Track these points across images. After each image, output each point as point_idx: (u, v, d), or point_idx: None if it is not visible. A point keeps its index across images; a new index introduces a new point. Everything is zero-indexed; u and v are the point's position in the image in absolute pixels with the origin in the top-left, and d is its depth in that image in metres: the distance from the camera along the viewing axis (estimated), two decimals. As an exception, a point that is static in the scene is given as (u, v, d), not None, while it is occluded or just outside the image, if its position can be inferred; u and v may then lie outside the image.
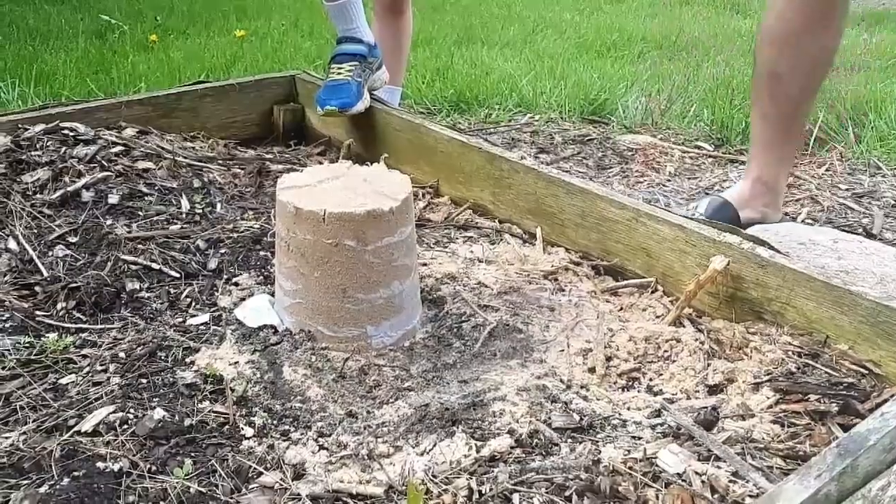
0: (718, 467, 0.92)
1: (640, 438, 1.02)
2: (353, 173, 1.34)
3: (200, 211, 1.66)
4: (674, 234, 1.37)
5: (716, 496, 0.87)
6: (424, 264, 1.52)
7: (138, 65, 3.35)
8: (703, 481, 0.89)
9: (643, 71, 3.41)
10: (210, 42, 3.81)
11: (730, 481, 0.89)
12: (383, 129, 1.93)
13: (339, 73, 1.93)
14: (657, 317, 1.36)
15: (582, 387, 1.19)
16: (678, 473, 0.91)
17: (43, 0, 4.85)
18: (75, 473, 0.97)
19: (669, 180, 2.35)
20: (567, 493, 0.88)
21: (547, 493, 0.88)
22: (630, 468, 0.92)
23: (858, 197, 2.26)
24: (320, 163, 1.97)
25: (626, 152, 2.54)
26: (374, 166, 1.37)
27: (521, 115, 2.92)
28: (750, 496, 0.87)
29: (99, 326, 1.31)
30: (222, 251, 1.52)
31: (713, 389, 1.16)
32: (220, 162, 1.89)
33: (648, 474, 0.91)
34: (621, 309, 1.40)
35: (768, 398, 1.09)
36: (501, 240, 1.64)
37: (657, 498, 0.87)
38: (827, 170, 2.45)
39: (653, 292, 1.42)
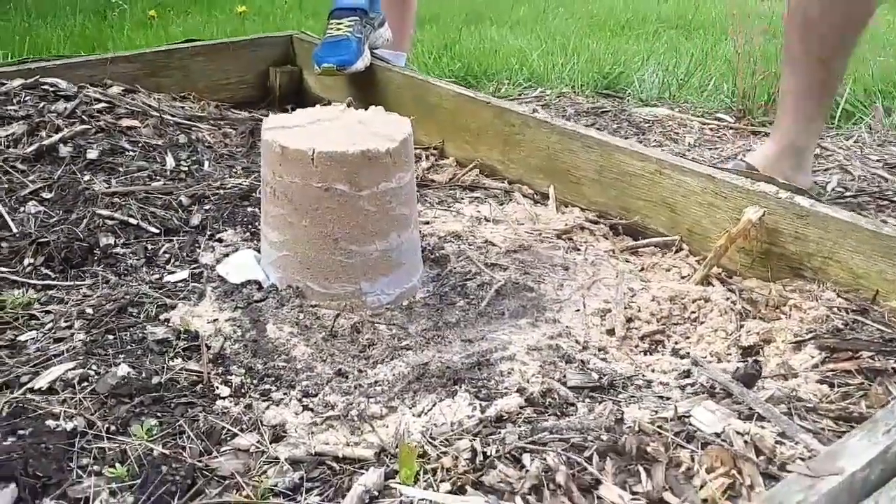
0: (762, 427, 0.79)
1: (668, 399, 0.89)
2: (348, 115, 1.22)
3: (186, 168, 1.54)
4: (702, 186, 1.24)
5: (761, 458, 0.74)
6: (427, 223, 1.40)
7: (135, 40, 3.24)
8: (745, 441, 0.76)
9: (659, 47, 3.28)
10: (211, 19, 3.70)
11: (776, 442, 0.76)
12: (384, 87, 1.81)
13: (337, 29, 1.81)
14: (682, 277, 1.24)
15: (600, 349, 1.06)
16: (716, 433, 0.78)
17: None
18: (21, 432, 0.84)
19: (689, 150, 2.22)
20: (587, 454, 0.75)
21: (563, 452, 0.75)
22: (659, 427, 0.79)
23: (891, 167, 2.12)
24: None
25: (642, 124, 2.41)
26: (371, 109, 1.25)
27: (531, 90, 2.79)
28: (800, 459, 0.74)
29: (68, 283, 1.19)
30: (207, 207, 1.39)
31: (747, 351, 1.04)
32: (211, 121, 1.77)
33: (681, 434, 0.78)
34: (642, 269, 1.27)
35: (813, 357, 0.96)
36: (511, 200, 1.51)
37: (692, 460, 0.74)
38: (856, 141, 2.31)
39: (677, 251, 1.29)
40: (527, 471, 0.72)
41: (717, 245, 1.18)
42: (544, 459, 0.74)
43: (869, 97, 2.55)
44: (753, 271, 1.19)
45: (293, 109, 1.99)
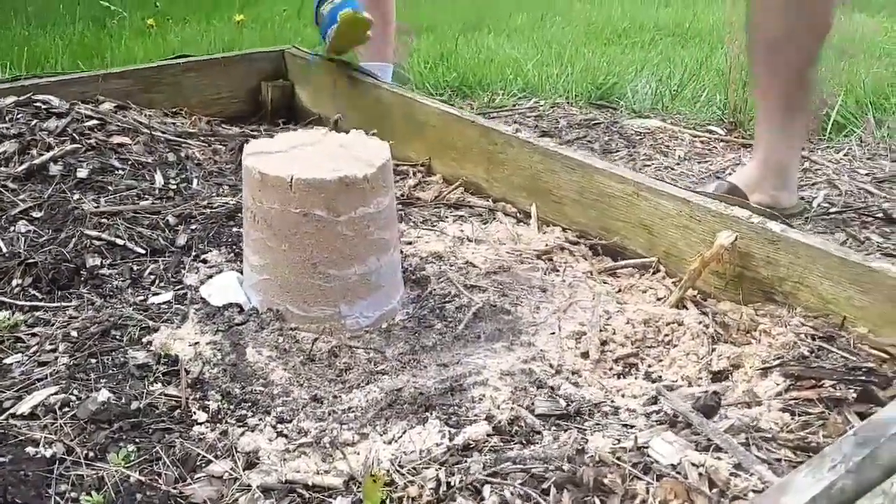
0: (719, 458, 0.81)
1: (632, 427, 0.91)
2: (329, 139, 1.24)
3: (175, 187, 1.56)
4: (677, 210, 1.26)
5: (714, 490, 0.76)
6: (410, 243, 1.42)
7: (133, 49, 3.26)
8: (700, 473, 0.78)
9: (654, 56, 3.29)
10: (209, 28, 3.72)
11: (731, 474, 0.78)
12: (373, 103, 1.83)
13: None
14: (658, 299, 1.25)
15: (573, 372, 1.08)
16: (672, 465, 0.80)
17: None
18: (1, 459, 0.87)
19: (678, 164, 2.24)
20: (545, 486, 0.77)
21: (521, 485, 0.77)
22: (618, 458, 0.81)
23: (879, 182, 2.13)
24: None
25: (633, 136, 2.43)
26: (352, 133, 1.27)
27: (525, 100, 2.80)
28: (754, 491, 0.76)
29: (54, 305, 1.22)
30: (193, 227, 1.42)
31: (717, 376, 1.05)
32: (202, 138, 1.79)
33: (639, 465, 0.80)
34: (620, 290, 1.29)
35: (778, 384, 0.98)
36: (494, 219, 1.54)
37: (647, 492, 0.76)
38: (845, 155, 2.32)
39: (654, 273, 1.31)
40: (484, 502, 0.74)
41: (690, 268, 1.20)
42: (502, 493, 0.76)
43: (861, 109, 2.57)
44: (727, 294, 1.21)
45: (285, 124, 2.04)
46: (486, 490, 0.78)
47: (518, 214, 1.54)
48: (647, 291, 1.28)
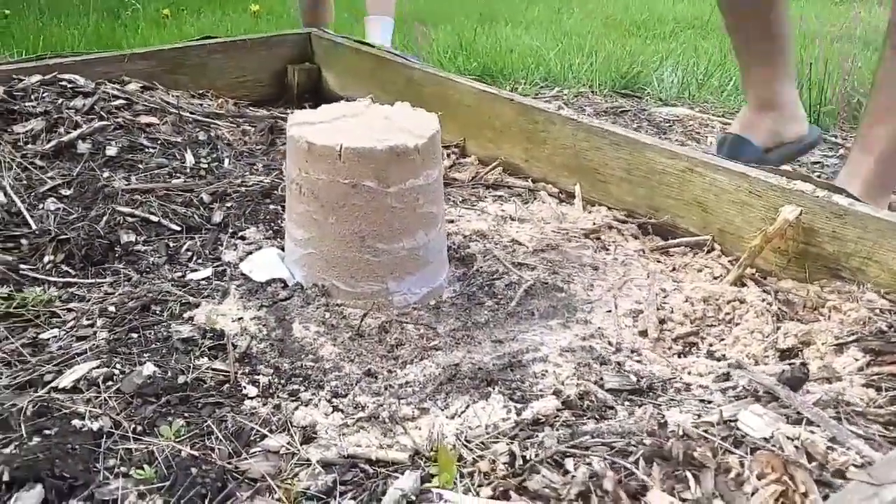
0: (812, 432, 0.76)
1: (710, 402, 0.86)
2: (373, 111, 1.20)
3: (206, 166, 1.51)
4: (735, 185, 1.22)
5: (813, 464, 0.71)
6: (451, 221, 1.37)
7: (149, 39, 3.23)
8: (796, 447, 0.73)
9: (677, 47, 3.25)
10: (224, 18, 3.69)
11: (828, 448, 0.73)
12: (405, 84, 1.78)
13: None
14: (715, 278, 1.21)
15: (633, 351, 1.03)
16: (765, 438, 0.75)
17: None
18: (47, 432, 0.82)
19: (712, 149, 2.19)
20: (632, 459, 0.72)
21: (608, 456, 0.73)
22: (705, 431, 0.76)
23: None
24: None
25: (662, 123, 2.38)
26: (396, 104, 1.22)
27: (548, 89, 2.76)
28: (854, 465, 0.71)
29: (88, 280, 1.17)
30: (228, 205, 1.37)
31: (786, 354, 1.01)
32: (230, 119, 1.75)
33: (728, 439, 0.75)
34: (674, 269, 1.24)
35: (857, 360, 0.93)
36: (536, 198, 1.49)
37: (742, 465, 0.71)
38: None
39: (709, 252, 1.26)
40: (572, 476, 0.70)
41: (751, 245, 1.16)
42: (589, 464, 0.71)
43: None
44: (789, 272, 1.17)
45: (312, 107, 2.00)
46: (570, 463, 0.73)
47: (560, 194, 1.49)
48: (702, 270, 1.23)
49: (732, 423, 0.78)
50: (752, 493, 0.68)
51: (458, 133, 1.69)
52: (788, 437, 0.74)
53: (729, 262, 1.23)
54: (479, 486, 0.74)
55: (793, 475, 0.69)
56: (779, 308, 1.09)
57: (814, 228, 1.13)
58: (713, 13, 4.15)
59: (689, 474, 0.71)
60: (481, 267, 1.22)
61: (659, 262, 1.26)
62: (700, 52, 3.16)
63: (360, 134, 1.09)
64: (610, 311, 1.12)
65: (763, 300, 1.11)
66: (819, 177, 1.96)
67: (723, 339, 1.06)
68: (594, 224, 1.35)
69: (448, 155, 1.68)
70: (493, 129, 1.61)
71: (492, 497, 0.70)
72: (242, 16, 3.83)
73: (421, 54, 3.10)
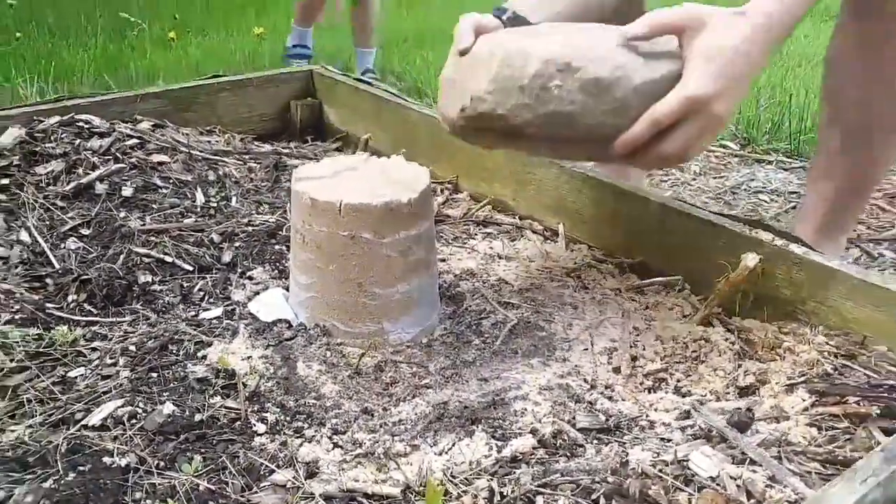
0: (754, 471, 0.87)
1: (669, 441, 0.97)
2: (371, 165, 1.30)
3: (215, 204, 1.62)
4: (702, 230, 1.32)
5: (752, 501, 0.82)
6: (443, 260, 1.48)
7: (157, 61, 3.34)
8: (738, 486, 0.84)
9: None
10: (229, 39, 3.80)
11: (766, 486, 0.84)
12: (401, 123, 1.89)
13: None
14: (684, 316, 1.31)
15: (607, 387, 1.14)
16: (712, 477, 0.86)
17: (63, -2, 4.86)
18: (81, 468, 0.93)
19: (695, 179, 2.30)
20: (594, 497, 0.83)
21: (573, 495, 0.84)
22: (660, 471, 0.87)
23: (891, 198, 2.19)
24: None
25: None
26: (392, 158, 1.33)
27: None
28: (788, 502, 0.82)
29: (110, 319, 1.28)
30: (237, 245, 1.48)
31: (744, 391, 1.11)
32: (237, 156, 1.85)
33: (680, 478, 0.86)
34: (647, 307, 1.35)
35: (804, 400, 1.04)
36: (522, 236, 1.60)
37: (690, 502, 0.82)
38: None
39: (679, 290, 1.37)
40: (540, 513, 0.81)
41: (716, 288, 1.26)
42: (556, 502, 0.82)
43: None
44: (751, 312, 1.27)
45: (313, 140, 2.11)
46: (540, 501, 0.83)
47: (545, 232, 1.60)
48: (673, 308, 1.34)
49: (685, 463, 0.89)
50: (697, 528, 0.79)
51: (452, 171, 1.80)
52: (732, 477, 0.85)
53: (698, 300, 1.34)
54: (462, 519, 0.84)
55: (732, 511, 0.80)
56: (740, 347, 1.20)
57: (773, 274, 1.23)
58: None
59: (643, 510, 0.81)
60: (470, 305, 1.33)
61: (634, 300, 1.37)
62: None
63: (359, 189, 1.20)
64: (587, 349, 1.22)
65: (726, 339, 1.22)
66: (793, 207, 2.07)
67: (689, 376, 1.17)
68: (575, 263, 1.46)
69: (442, 191, 1.79)
70: (485, 169, 1.72)
71: (471, 530, 0.81)
72: (246, 37, 3.94)
73: (419, 78, 3.22)
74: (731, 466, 0.87)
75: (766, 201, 2.14)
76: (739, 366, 1.16)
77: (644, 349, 1.22)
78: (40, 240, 1.46)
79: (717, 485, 0.84)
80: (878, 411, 0.99)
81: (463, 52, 1.11)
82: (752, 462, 0.89)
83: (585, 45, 1.00)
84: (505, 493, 0.86)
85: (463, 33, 1.13)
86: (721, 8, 0.98)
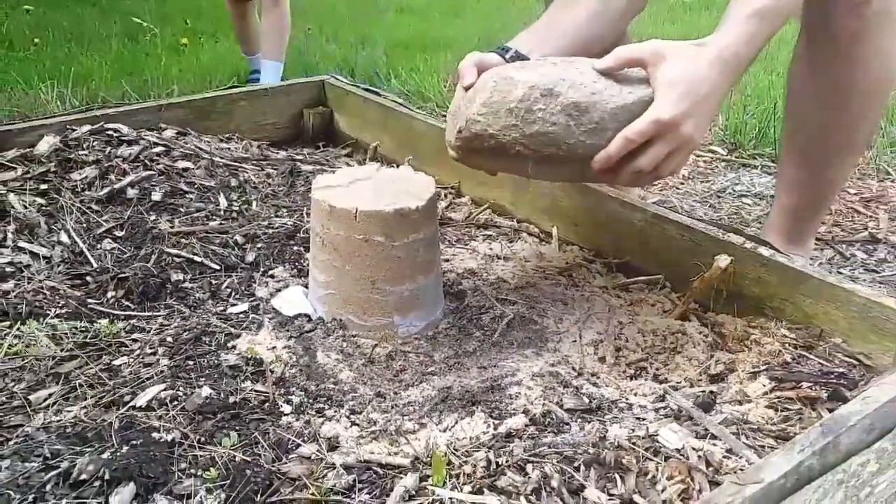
0: (714, 444, 1.01)
1: (644, 419, 1.11)
2: (382, 175, 1.44)
3: (237, 208, 1.77)
4: (681, 234, 1.46)
5: (710, 469, 0.96)
6: (447, 260, 1.62)
7: (171, 67, 3.47)
8: (699, 456, 0.98)
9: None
10: (235, 47, 3.93)
11: (724, 457, 0.99)
12: (407, 132, 2.03)
13: None
14: (664, 311, 1.45)
15: (592, 374, 1.28)
16: (677, 449, 1.00)
17: (75, 3, 5.00)
18: (133, 442, 1.07)
19: (682, 183, 2.44)
20: (576, 464, 0.98)
21: (558, 463, 0.98)
22: (633, 444, 1.02)
23: (866, 201, 2.33)
24: (348, 164, 2.08)
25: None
26: (400, 168, 1.47)
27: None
28: (741, 470, 0.96)
29: (147, 314, 1.42)
30: (259, 246, 1.62)
31: (715, 378, 1.25)
32: (254, 162, 2.00)
33: (650, 449, 1.01)
34: (631, 304, 1.49)
35: (764, 386, 1.18)
36: (519, 238, 1.74)
37: (657, 469, 0.96)
38: (837, 174, 2.52)
39: (661, 288, 1.51)
40: (529, 477, 0.95)
41: (693, 286, 1.40)
42: (542, 469, 0.96)
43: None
44: (724, 308, 1.41)
45: (324, 146, 2.25)
46: (529, 468, 0.98)
47: (541, 234, 1.74)
48: (654, 304, 1.48)
49: (655, 437, 1.03)
50: (662, 490, 0.93)
51: (455, 177, 1.94)
52: (694, 449, 0.99)
53: (677, 297, 1.48)
54: (463, 484, 0.98)
55: (693, 477, 0.94)
56: (713, 339, 1.34)
57: (743, 273, 1.37)
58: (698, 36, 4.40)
59: (617, 476, 0.96)
60: (471, 302, 1.47)
61: (619, 297, 1.51)
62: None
63: (372, 197, 1.34)
64: (575, 341, 1.37)
65: (700, 332, 1.36)
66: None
67: (667, 365, 1.31)
68: (567, 263, 1.60)
69: (445, 196, 1.93)
70: (484, 175, 1.85)
71: (470, 492, 0.95)
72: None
73: (423, 84, 3.36)
74: (694, 440, 1.02)
75: (749, 204, 2.27)
76: (712, 356, 1.30)
77: (627, 341, 1.36)
78: (79, 241, 1.60)
79: (682, 455, 0.99)
80: (827, 395, 1.13)
81: (467, 88, 1.24)
82: (714, 437, 1.03)
83: (567, 74, 1.14)
84: (500, 463, 1.00)
85: (466, 70, 1.26)
86: (683, 42, 1.12)
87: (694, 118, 1.09)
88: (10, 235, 1.59)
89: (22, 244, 1.56)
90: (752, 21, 1.13)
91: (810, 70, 1.54)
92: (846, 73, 1.49)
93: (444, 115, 3.01)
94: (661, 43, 1.13)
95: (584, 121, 1.13)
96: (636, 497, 0.93)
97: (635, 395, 1.22)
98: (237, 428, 1.12)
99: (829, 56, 1.49)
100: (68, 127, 1.92)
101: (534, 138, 1.14)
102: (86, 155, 1.84)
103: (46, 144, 1.85)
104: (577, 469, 0.97)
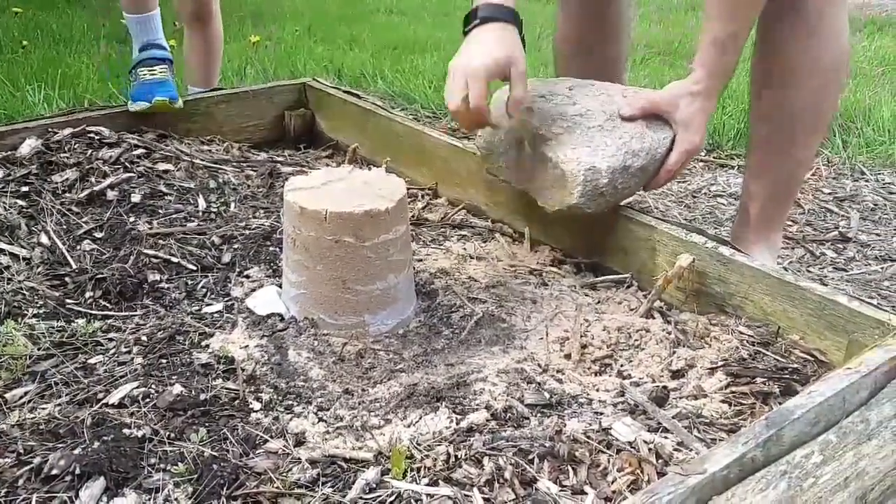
0: (666, 438, 1.04)
1: (602, 414, 1.15)
2: (355, 176, 1.48)
3: (216, 210, 1.80)
4: (647, 235, 1.50)
5: (660, 461, 1.00)
6: (420, 260, 1.65)
7: (157, 69, 3.49)
8: (650, 449, 1.02)
9: (641, 78, 3.53)
10: (226, 47, 3.95)
11: (674, 449, 1.02)
12: (386, 134, 2.06)
13: (153, 74, 2.08)
14: (631, 309, 1.49)
15: (558, 371, 1.31)
16: (629, 442, 1.03)
17: (66, 5, 5.02)
18: (105, 438, 1.10)
19: (659, 183, 2.47)
20: (530, 457, 1.01)
21: (514, 456, 1.01)
22: (588, 437, 1.05)
23: (840, 200, 2.37)
24: (328, 165, 2.11)
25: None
26: (373, 170, 1.51)
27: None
28: (686, 461, 0.99)
29: (123, 313, 1.45)
30: (235, 246, 1.65)
31: (676, 374, 1.29)
32: (234, 164, 2.03)
33: (603, 443, 1.04)
34: (599, 302, 1.52)
35: (721, 381, 1.21)
36: (493, 238, 1.77)
37: (609, 462, 0.99)
38: (813, 174, 2.56)
39: (628, 287, 1.55)
40: (484, 469, 0.98)
41: (657, 284, 1.44)
42: (497, 461, 1.00)
43: (830, 130, 2.80)
44: (687, 306, 1.45)
45: (305, 148, 2.28)
46: (485, 461, 1.01)
47: (514, 234, 1.78)
48: (621, 303, 1.51)
49: (608, 431, 1.06)
50: (612, 482, 0.96)
51: (432, 178, 1.97)
52: (646, 442, 1.03)
53: (643, 295, 1.51)
54: (423, 477, 1.02)
55: (643, 469, 0.97)
56: (676, 336, 1.38)
57: (705, 272, 1.41)
58: (682, 40, 4.44)
59: (570, 468, 0.99)
60: (442, 301, 1.51)
61: (587, 295, 1.54)
62: (664, 82, 3.43)
63: (343, 199, 1.37)
64: (542, 339, 1.40)
65: (664, 329, 1.39)
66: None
67: (631, 361, 1.34)
68: (538, 262, 1.64)
69: (422, 196, 1.97)
70: (461, 176, 1.89)
71: (427, 484, 0.98)
72: (242, 43, 4.10)
73: (408, 86, 3.39)
74: (646, 434, 1.05)
75: (723, 204, 2.31)
76: (674, 352, 1.33)
77: (593, 338, 1.40)
78: (58, 242, 1.63)
79: (633, 448, 1.02)
80: (780, 390, 1.16)
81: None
82: (666, 430, 1.06)
83: (623, 141, 1.48)
84: (459, 456, 1.03)
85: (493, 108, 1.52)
86: (682, 88, 1.50)
87: (700, 135, 1.53)
88: (-10, 237, 1.62)
89: (2, 245, 1.59)
90: (716, 48, 1.47)
91: (772, 51, 1.59)
92: (812, 49, 1.55)
93: (429, 117, 3.05)
94: (670, 94, 1.53)
95: (648, 173, 1.53)
96: (587, 488, 0.96)
97: (597, 390, 1.26)
98: (207, 424, 1.15)
99: (800, 35, 1.54)
100: (50, 129, 1.94)
101: (616, 199, 1.53)
102: (67, 157, 1.87)
103: (28, 147, 1.88)
104: (531, 462, 1.00)
